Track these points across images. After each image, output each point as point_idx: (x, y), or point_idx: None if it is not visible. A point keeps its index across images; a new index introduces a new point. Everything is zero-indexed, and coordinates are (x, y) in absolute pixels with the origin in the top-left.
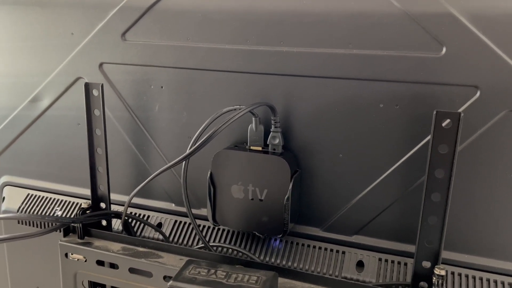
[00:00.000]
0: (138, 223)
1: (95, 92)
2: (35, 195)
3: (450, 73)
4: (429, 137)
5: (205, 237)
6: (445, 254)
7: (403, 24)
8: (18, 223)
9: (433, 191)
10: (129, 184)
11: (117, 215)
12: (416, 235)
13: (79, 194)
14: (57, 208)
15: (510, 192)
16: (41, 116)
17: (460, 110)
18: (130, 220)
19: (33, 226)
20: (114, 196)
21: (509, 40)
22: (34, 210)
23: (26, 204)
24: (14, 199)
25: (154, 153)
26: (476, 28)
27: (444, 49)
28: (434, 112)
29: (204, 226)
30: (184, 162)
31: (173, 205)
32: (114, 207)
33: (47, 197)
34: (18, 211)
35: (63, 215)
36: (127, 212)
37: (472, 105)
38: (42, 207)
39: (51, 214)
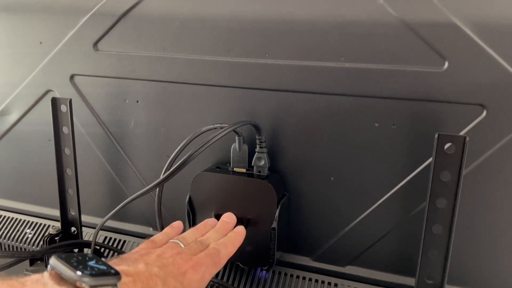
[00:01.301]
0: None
1: (63, 108)
2: (4, 216)
3: (453, 90)
4: (430, 160)
5: None
6: None
7: (401, 35)
8: None
9: (435, 222)
10: (104, 205)
11: (86, 244)
12: (415, 267)
13: (51, 215)
14: (28, 230)
15: None
16: (10, 131)
17: (464, 131)
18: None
19: None
20: (88, 219)
21: None
22: (3, 232)
23: None
24: None
25: (130, 173)
26: (482, 40)
27: (446, 63)
28: (436, 135)
29: None
30: (158, 188)
31: (151, 229)
32: (88, 230)
33: (16, 218)
34: None
35: (33, 238)
36: (100, 237)
37: (477, 125)
38: (12, 229)
39: (21, 236)
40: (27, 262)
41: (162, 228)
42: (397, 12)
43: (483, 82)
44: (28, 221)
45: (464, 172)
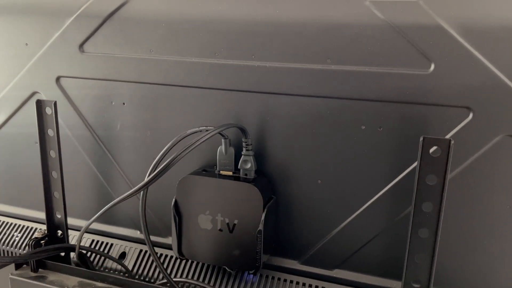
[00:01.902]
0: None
1: (48, 110)
2: None
3: (439, 93)
4: (416, 163)
5: (171, 270)
6: None
7: (387, 37)
8: None
9: (421, 226)
10: (91, 208)
11: (71, 248)
12: (402, 271)
13: (38, 218)
14: (15, 233)
15: (506, 226)
16: None
17: (450, 134)
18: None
19: None
20: (74, 221)
21: (505, 56)
22: None
23: None
24: None
25: (116, 175)
26: (468, 42)
27: (432, 66)
28: (421, 139)
29: (171, 257)
30: (142, 191)
31: (138, 232)
32: (74, 233)
33: (4, 221)
34: None
35: (21, 240)
36: (88, 240)
37: (464, 128)
38: None
39: (8, 239)
40: (12, 266)
41: (147, 231)
42: (384, 15)
43: (469, 85)
44: (16, 224)
45: (450, 175)
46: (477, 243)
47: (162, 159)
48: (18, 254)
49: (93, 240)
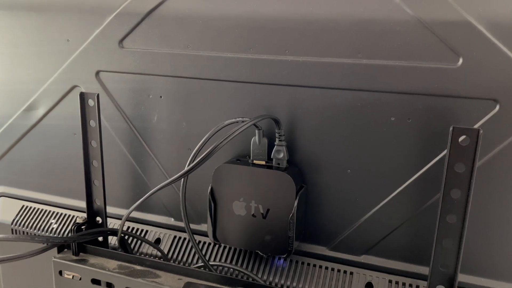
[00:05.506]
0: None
1: (90, 102)
2: (30, 207)
3: (467, 86)
4: (443, 153)
5: (205, 254)
6: (460, 277)
7: (417, 32)
8: None
9: (449, 212)
10: (127, 197)
11: (113, 232)
12: (429, 256)
13: (75, 206)
14: (53, 221)
15: None
16: (36, 126)
17: (477, 125)
18: (126, 236)
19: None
20: (111, 210)
21: None
22: (29, 222)
23: (20, 216)
24: (8, 210)
25: (152, 165)
26: (495, 37)
27: (460, 60)
28: (451, 128)
29: (204, 243)
30: (182, 178)
31: (172, 219)
32: (111, 221)
33: (42, 209)
34: (12, 223)
35: (59, 228)
36: (124, 227)
37: (490, 120)
38: (37, 220)
39: (46, 227)
40: (53, 250)
41: (186, 216)
42: (413, 11)
43: (496, 78)
44: (53, 212)
45: (478, 164)
46: (503, 229)
47: (202, 148)
48: None
49: (128, 227)
